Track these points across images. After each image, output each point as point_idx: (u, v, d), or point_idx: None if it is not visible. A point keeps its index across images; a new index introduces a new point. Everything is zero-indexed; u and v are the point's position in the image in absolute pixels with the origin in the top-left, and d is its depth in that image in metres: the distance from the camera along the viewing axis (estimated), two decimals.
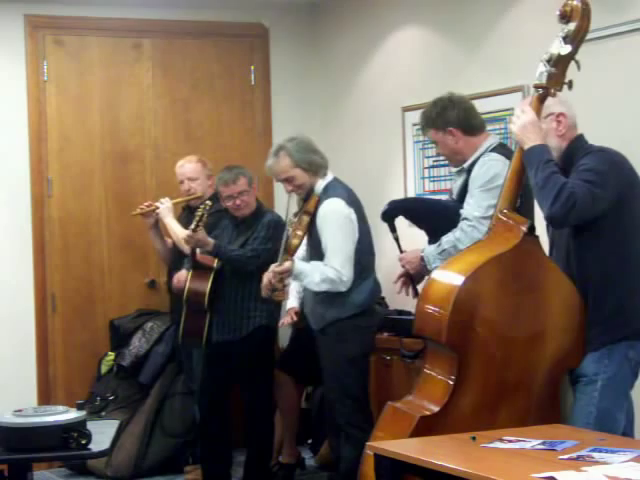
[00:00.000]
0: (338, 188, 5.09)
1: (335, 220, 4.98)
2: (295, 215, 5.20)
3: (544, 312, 3.77)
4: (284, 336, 6.23)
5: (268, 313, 5.62)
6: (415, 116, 6.11)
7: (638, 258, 3.78)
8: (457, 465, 2.97)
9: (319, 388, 6.13)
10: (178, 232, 5.93)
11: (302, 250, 5.23)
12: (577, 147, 3.83)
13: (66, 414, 3.89)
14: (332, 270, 4.91)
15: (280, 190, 6.22)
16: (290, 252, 5.02)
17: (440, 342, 3.76)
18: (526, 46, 5.27)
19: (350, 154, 6.75)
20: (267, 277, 4.99)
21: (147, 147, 6.89)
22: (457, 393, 3.72)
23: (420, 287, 4.26)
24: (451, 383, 3.73)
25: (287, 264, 4.96)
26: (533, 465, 2.91)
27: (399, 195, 6.27)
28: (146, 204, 6.21)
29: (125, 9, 6.80)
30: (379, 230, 5.13)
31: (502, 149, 4.49)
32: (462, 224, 4.37)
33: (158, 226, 6.26)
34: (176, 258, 6.08)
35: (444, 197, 5.08)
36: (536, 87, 3.81)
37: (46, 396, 6.57)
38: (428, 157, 6.15)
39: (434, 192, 6.10)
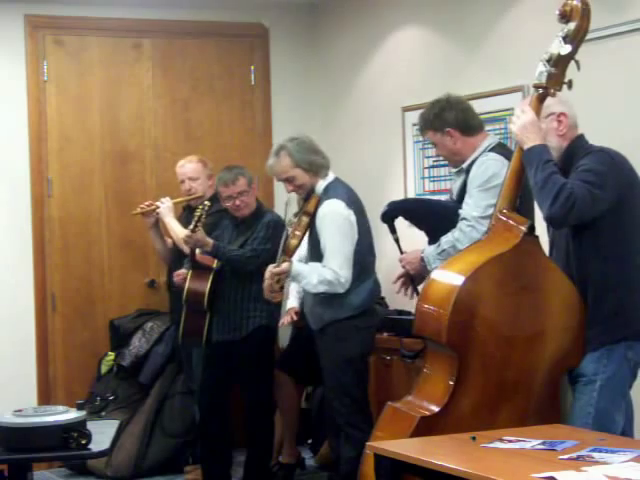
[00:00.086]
0: (339, 189, 5.08)
1: (334, 221, 4.97)
2: (295, 215, 5.20)
3: (544, 312, 3.77)
4: (284, 336, 6.23)
5: (268, 313, 5.61)
6: (415, 116, 6.09)
7: (638, 258, 3.79)
8: (457, 465, 2.97)
9: (319, 388, 6.13)
10: (178, 232, 5.93)
11: (304, 250, 5.23)
12: (577, 147, 3.83)
13: (66, 414, 3.89)
14: (330, 272, 4.90)
15: (280, 190, 6.22)
16: (288, 253, 5.02)
17: (440, 342, 3.76)
18: (526, 46, 5.27)
19: (350, 154, 6.75)
20: (265, 278, 5.00)
21: (147, 147, 6.89)
22: (457, 393, 3.72)
23: (421, 288, 4.26)
24: (451, 383, 3.73)
25: (284, 265, 4.96)
26: (533, 465, 2.91)
27: (399, 195, 6.28)
28: (147, 203, 6.21)
29: (125, 9, 6.80)
30: (379, 230, 5.13)
31: (501, 149, 4.49)
32: (461, 224, 4.38)
33: (158, 226, 6.27)
34: (176, 258, 6.08)
35: (444, 197, 5.08)
36: (536, 87, 3.81)
37: (46, 396, 6.57)
38: (428, 157, 6.15)
39: (434, 192, 6.10)
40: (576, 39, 3.73)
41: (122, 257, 6.82)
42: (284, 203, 5.31)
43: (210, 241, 5.52)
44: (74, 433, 3.78)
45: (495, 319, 3.74)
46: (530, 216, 4.08)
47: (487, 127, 5.27)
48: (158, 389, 6.46)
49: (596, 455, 2.98)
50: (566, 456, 2.99)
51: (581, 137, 3.88)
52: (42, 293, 6.63)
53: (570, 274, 3.80)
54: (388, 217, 4.72)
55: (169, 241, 6.27)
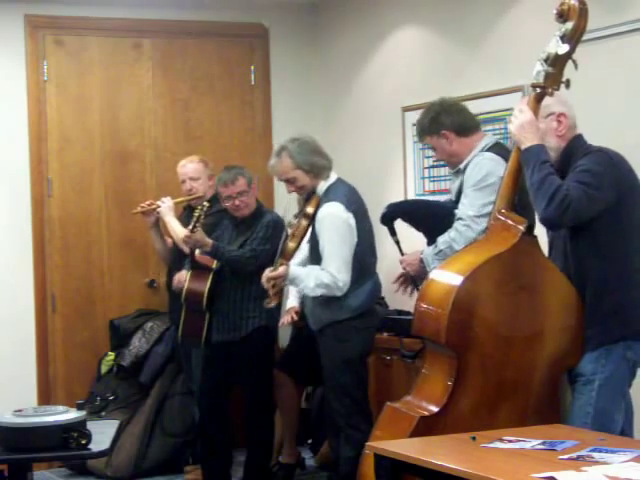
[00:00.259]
0: (339, 191, 5.06)
1: (333, 224, 4.95)
2: (296, 216, 5.19)
3: (542, 312, 3.77)
4: (284, 336, 6.23)
5: (268, 313, 5.61)
6: (415, 116, 6.09)
7: (636, 258, 3.79)
8: (457, 465, 2.97)
9: (319, 388, 6.14)
10: (178, 231, 5.92)
11: (305, 250, 5.22)
12: (576, 147, 3.83)
13: (66, 414, 3.89)
14: (327, 275, 4.89)
15: (280, 190, 6.22)
16: (286, 256, 5.02)
17: (439, 342, 3.76)
18: (526, 46, 5.26)
19: (350, 154, 6.74)
20: (262, 282, 5.01)
21: (147, 147, 6.89)
22: (456, 393, 3.73)
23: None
24: (450, 383, 3.73)
25: (281, 269, 4.96)
26: (533, 465, 2.91)
27: (399, 195, 6.28)
28: (147, 203, 6.22)
29: (125, 9, 6.80)
30: (379, 231, 5.12)
31: (497, 148, 4.49)
32: (456, 224, 4.39)
33: (159, 225, 6.27)
34: (177, 258, 6.08)
35: (444, 197, 5.08)
36: (534, 86, 3.81)
37: (46, 396, 6.57)
38: (428, 157, 6.15)
39: (434, 192, 6.10)
40: (573, 38, 3.73)
41: (122, 257, 6.82)
42: (283, 207, 5.30)
43: (209, 241, 5.52)
44: (74, 433, 3.78)
45: (494, 319, 3.74)
46: (531, 216, 4.08)
47: (487, 127, 5.31)
48: (158, 389, 6.46)
49: (596, 455, 2.98)
50: (566, 456, 2.99)
51: (579, 137, 3.88)
52: (42, 293, 6.63)
53: (568, 274, 3.80)
54: (387, 219, 4.74)
55: (169, 241, 6.27)
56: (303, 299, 5.44)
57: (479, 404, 3.74)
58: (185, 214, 6.19)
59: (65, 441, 3.77)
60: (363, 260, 5.03)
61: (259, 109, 7.14)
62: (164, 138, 6.91)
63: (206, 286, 5.62)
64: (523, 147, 3.76)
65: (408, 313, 5.47)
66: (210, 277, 5.63)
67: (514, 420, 3.68)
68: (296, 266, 5.07)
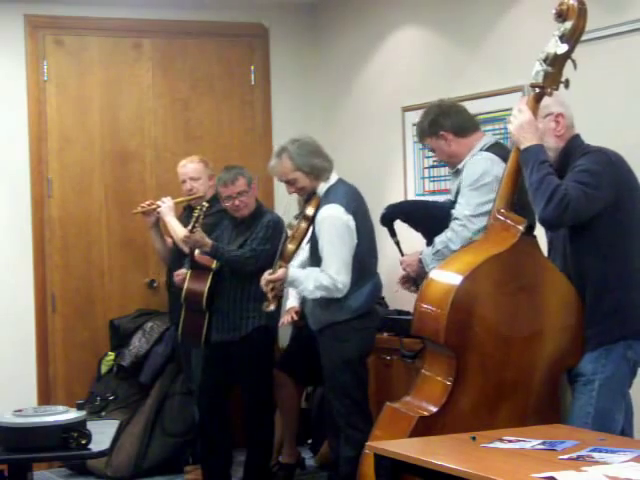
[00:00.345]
0: (339, 192, 5.05)
1: (332, 227, 4.94)
2: (296, 217, 5.19)
3: (542, 311, 3.77)
4: (284, 336, 6.23)
5: (267, 313, 5.60)
6: (415, 116, 6.10)
7: (635, 258, 3.79)
8: (457, 465, 2.97)
9: (319, 388, 6.14)
10: (179, 231, 5.92)
11: (306, 250, 5.22)
12: (574, 147, 3.83)
13: (66, 414, 3.89)
14: (327, 277, 4.89)
15: (280, 190, 6.22)
16: (285, 258, 5.02)
17: (438, 342, 3.76)
18: (526, 46, 5.26)
19: (350, 154, 6.74)
20: (261, 285, 5.01)
21: (147, 147, 6.89)
22: (455, 393, 3.72)
23: None
24: (449, 383, 3.73)
25: (280, 272, 4.96)
26: (533, 465, 2.91)
27: (399, 195, 6.28)
28: (147, 202, 6.22)
29: (125, 9, 6.80)
30: (379, 231, 5.12)
31: (496, 148, 4.49)
32: (453, 224, 4.40)
33: (159, 225, 6.27)
34: (176, 258, 6.08)
35: (444, 197, 5.08)
36: (533, 86, 3.81)
37: (46, 396, 6.57)
38: (428, 157, 6.15)
39: (434, 192, 6.10)
40: (572, 38, 3.73)
41: (122, 257, 6.82)
42: (283, 207, 5.30)
43: (209, 241, 5.52)
44: (74, 433, 3.78)
45: (493, 319, 3.74)
46: (531, 216, 4.08)
47: (487, 127, 5.31)
48: (158, 389, 6.47)
49: (596, 455, 2.98)
50: (566, 456, 2.99)
51: (577, 137, 3.88)
52: (42, 293, 6.63)
53: (568, 274, 3.80)
54: (386, 220, 4.75)
55: (169, 241, 6.27)
56: (303, 299, 5.44)
57: (479, 404, 3.74)
58: (185, 214, 6.19)
59: (65, 441, 3.77)
60: (363, 261, 5.02)
61: (259, 109, 7.14)
62: (164, 138, 6.91)
63: (206, 286, 5.62)
64: (522, 147, 3.76)
65: (408, 313, 5.46)
66: (210, 277, 5.63)
67: (514, 420, 3.68)
68: (295, 268, 5.07)
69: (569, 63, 3.76)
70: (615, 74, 4.90)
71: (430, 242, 4.54)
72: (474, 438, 3.28)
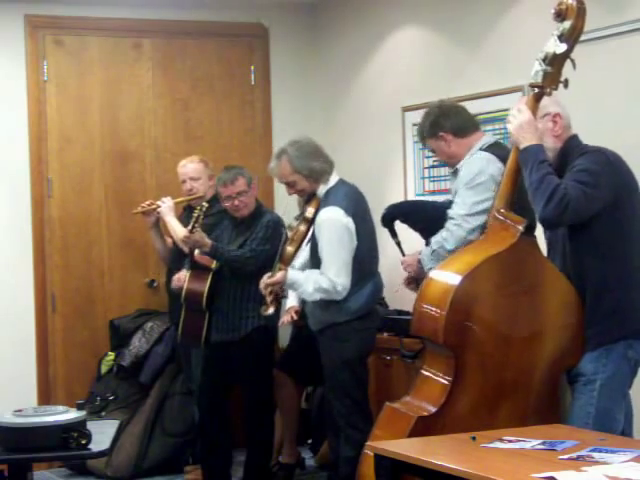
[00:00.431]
0: (339, 194, 5.03)
1: (332, 230, 4.93)
2: (296, 219, 5.19)
3: (542, 311, 3.77)
4: (284, 336, 6.23)
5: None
6: (415, 116, 6.12)
7: (634, 258, 3.79)
8: (457, 465, 2.97)
9: (319, 388, 6.14)
10: (179, 231, 5.92)
11: (307, 251, 5.22)
12: (572, 147, 3.83)
13: (66, 414, 3.89)
14: (326, 280, 4.88)
15: (280, 190, 6.22)
16: (285, 261, 5.02)
17: (437, 342, 3.76)
18: (526, 46, 5.26)
19: (350, 154, 6.74)
20: (260, 289, 5.01)
21: (147, 147, 6.89)
22: (455, 393, 3.72)
23: None
24: (448, 384, 3.73)
25: (279, 275, 4.96)
26: (533, 465, 2.91)
27: (399, 195, 6.28)
28: (147, 203, 6.22)
29: (125, 9, 6.80)
30: (380, 231, 5.12)
31: (494, 147, 4.49)
32: (448, 224, 4.40)
33: (159, 225, 6.27)
34: (177, 257, 6.08)
35: (444, 197, 5.08)
36: (532, 86, 3.81)
37: (46, 396, 6.57)
38: (428, 157, 6.15)
39: (434, 192, 6.10)
40: (571, 38, 3.73)
41: (122, 257, 6.82)
42: (283, 208, 5.30)
43: (209, 242, 5.52)
44: (74, 433, 3.78)
45: (493, 319, 3.74)
46: (531, 216, 4.08)
47: (487, 127, 5.31)
48: (158, 389, 6.47)
49: (596, 455, 2.98)
50: (566, 456, 2.99)
51: (575, 137, 3.88)
52: (42, 293, 6.63)
53: (567, 274, 3.80)
54: (386, 221, 4.76)
55: (169, 241, 6.27)
56: (303, 299, 5.43)
57: (478, 404, 3.74)
58: (185, 214, 6.19)
59: (65, 441, 3.77)
60: (363, 263, 5.02)
61: (259, 109, 7.14)
62: (164, 138, 6.91)
63: (205, 286, 5.62)
64: (521, 147, 3.76)
65: (408, 313, 5.44)
66: (210, 277, 5.63)
67: (514, 420, 3.68)
68: (295, 270, 5.07)
69: (568, 63, 3.76)
70: (615, 74, 4.90)
71: (428, 242, 4.55)
72: (474, 438, 3.28)
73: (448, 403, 3.71)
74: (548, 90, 3.77)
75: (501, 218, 3.84)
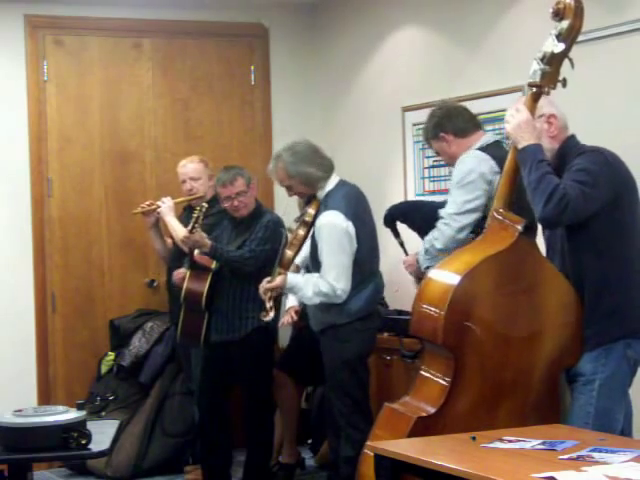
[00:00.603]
0: (339, 197, 5.01)
1: (331, 234, 4.92)
2: (296, 221, 5.19)
3: (541, 311, 3.77)
4: (284, 336, 6.23)
5: None
6: (415, 116, 6.14)
7: (633, 257, 3.79)
8: (457, 465, 2.96)
9: (319, 388, 6.14)
10: (179, 231, 5.92)
11: (306, 248, 5.22)
12: (569, 147, 3.83)
13: (66, 414, 3.89)
14: (326, 284, 4.88)
15: (280, 191, 6.22)
16: (284, 265, 5.02)
17: (436, 343, 3.76)
18: (525, 46, 5.25)
19: (350, 154, 6.74)
20: (260, 294, 5.01)
21: (147, 147, 6.89)
22: (454, 393, 3.72)
23: None
24: (448, 385, 3.72)
25: (278, 280, 4.96)
26: (533, 465, 2.91)
27: (399, 195, 6.28)
28: (147, 203, 6.22)
29: (125, 9, 6.80)
30: (381, 230, 5.13)
31: (491, 147, 4.48)
32: (438, 223, 4.41)
33: (159, 225, 6.27)
34: (176, 257, 6.08)
35: (444, 197, 5.08)
36: (530, 85, 3.80)
37: (46, 396, 6.57)
38: (428, 157, 6.15)
39: (434, 192, 6.10)
40: (569, 37, 3.72)
41: (122, 257, 6.82)
42: (282, 208, 5.30)
43: (208, 242, 5.51)
44: (74, 433, 3.78)
45: (491, 319, 3.74)
46: (532, 216, 4.08)
47: (487, 127, 5.30)
48: (158, 389, 6.47)
49: (596, 455, 2.98)
50: (566, 456, 2.99)
51: (572, 138, 3.88)
52: (42, 293, 6.63)
53: (566, 274, 3.80)
54: (388, 221, 4.79)
55: (169, 241, 6.27)
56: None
57: (477, 404, 3.73)
58: (185, 214, 6.19)
59: (65, 441, 3.78)
60: (364, 265, 5.01)
61: (259, 109, 7.14)
62: (164, 138, 6.91)
63: (205, 286, 5.61)
64: (520, 146, 3.75)
65: (408, 313, 5.44)
66: (209, 277, 5.63)
67: (513, 419, 3.68)
68: (294, 274, 5.07)
69: (567, 62, 3.76)
70: (615, 74, 4.90)
71: None
72: (474, 438, 3.27)
73: (447, 404, 3.71)
74: (546, 89, 3.77)
75: (500, 218, 3.84)
